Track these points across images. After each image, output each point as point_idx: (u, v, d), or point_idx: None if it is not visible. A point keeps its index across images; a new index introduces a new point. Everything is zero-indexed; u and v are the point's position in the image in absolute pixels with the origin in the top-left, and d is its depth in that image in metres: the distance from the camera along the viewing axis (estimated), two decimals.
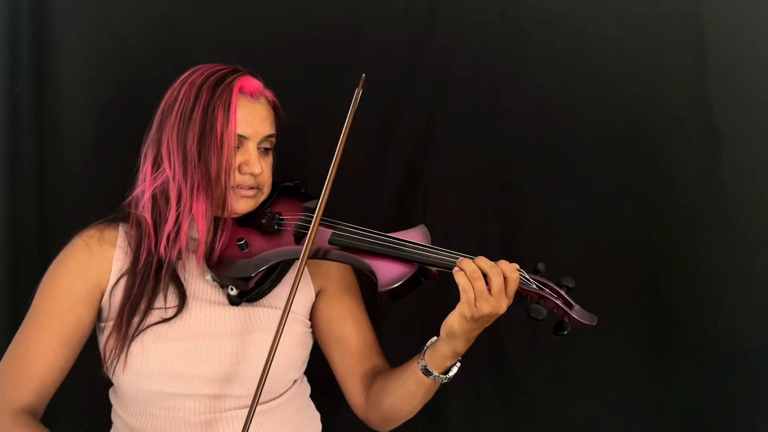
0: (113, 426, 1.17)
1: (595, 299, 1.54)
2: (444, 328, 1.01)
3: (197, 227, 1.08)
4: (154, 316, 1.07)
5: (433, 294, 1.51)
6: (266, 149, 1.15)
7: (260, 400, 1.10)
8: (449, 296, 1.13)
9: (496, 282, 0.94)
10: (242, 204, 1.12)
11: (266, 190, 1.16)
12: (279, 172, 1.21)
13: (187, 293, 1.11)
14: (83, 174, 1.50)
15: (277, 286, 1.15)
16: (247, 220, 1.14)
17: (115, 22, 1.49)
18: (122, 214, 1.15)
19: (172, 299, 1.09)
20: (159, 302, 1.08)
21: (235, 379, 1.08)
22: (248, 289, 1.10)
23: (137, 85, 1.48)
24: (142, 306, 1.07)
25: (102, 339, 1.11)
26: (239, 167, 1.10)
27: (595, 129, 1.54)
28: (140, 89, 1.49)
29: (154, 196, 1.09)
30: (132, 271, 1.09)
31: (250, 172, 1.10)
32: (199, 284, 1.13)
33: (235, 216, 1.13)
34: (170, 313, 1.08)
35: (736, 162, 1.52)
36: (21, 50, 1.45)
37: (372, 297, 1.06)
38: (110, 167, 1.47)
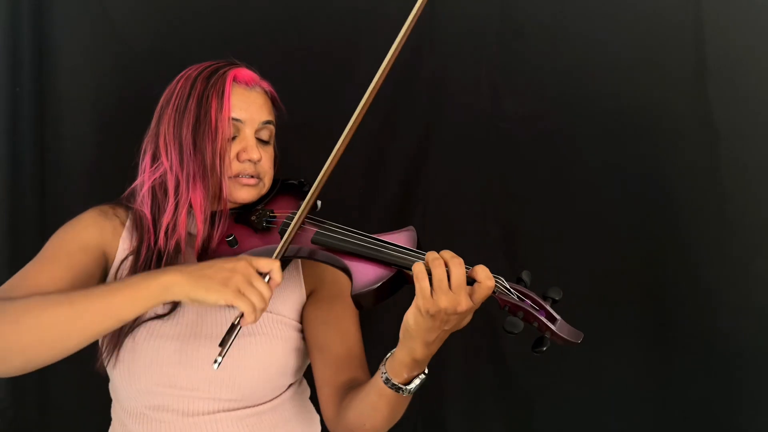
0: (112, 423, 1.17)
1: (595, 300, 1.56)
2: (402, 327, 0.93)
3: (195, 217, 1.07)
4: (149, 312, 1.06)
5: None
6: (265, 141, 1.14)
7: (252, 404, 1.09)
8: None
9: (456, 273, 0.86)
10: (244, 192, 1.11)
11: (267, 181, 1.15)
12: (281, 170, 1.20)
13: None
14: (83, 173, 1.51)
15: None
16: (242, 217, 1.13)
17: (115, 22, 1.49)
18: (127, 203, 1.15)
19: None
20: None
21: (225, 383, 1.06)
22: None
23: (137, 84, 1.48)
24: None
25: None
26: (237, 155, 1.09)
27: (594, 131, 1.54)
28: (140, 89, 1.48)
29: (152, 189, 1.09)
30: (134, 266, 1.09)
31: (248, 158, 1.09)
32: None
33: (236, 206, 1.12)
34: (165, 309, 1.07)
35: (735, 162, 1.52)
36: (21, 50, 1.45)
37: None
38: (110, 167, 1.47)
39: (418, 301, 0.88)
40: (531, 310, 0.88)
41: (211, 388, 1.06)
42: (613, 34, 1.53)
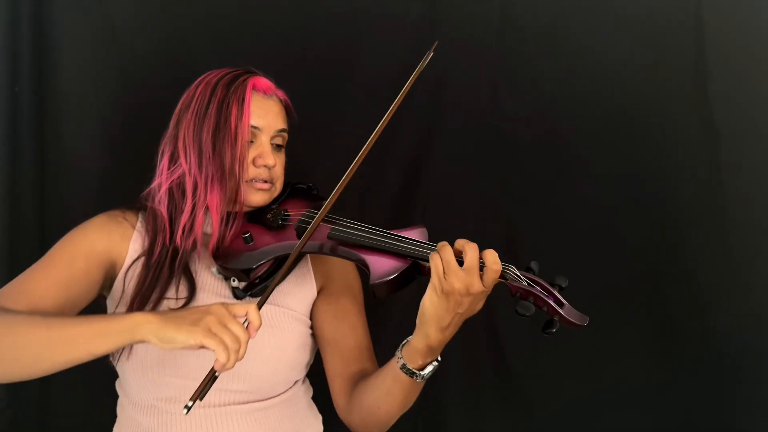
0: (117, 419, 1.17)
1: (595, 300, 1.55)
2: (419, 314, 0.99)
3: (211, 218, 1.11)
4: (164, 305, 1.09)
5: None
6: (279, 146, 1.18)
7: (260, 397, 1.12)
8: None
9: (470, 256, 0.92)
10: (257, 197, 1.15)
11: (279, 185, 1.19)
12: (288, 174, 1.22)
13: (197, 285, 1.12)
14: (83, 173, 1.51)
15: (282, 282, 1.16)
16: (255, 217, 1.17)
17: (115, 21, 1.49)
18: (140, 204, 1.18)
19: (182, 290, 1.11)
20: (170, 292, 1.10)
21: (236, 375, 1.08)
22: (250, 281, 1.12)
23: (137, 84, 1.49)
24: (154, 297, 1.09)
25: None
26: (253, 160, 1.13)
27: (594, 130, 1.54)
28: (140, 89, 1.49)
29: (170, 190, 1.12)
30: (146, 263, 1.11)
31: (264, 164, 1.13)
32: (207, 277, 1.15)
33: (249, 209, 1.16)
34: (179, 303, 1.10)
35: (736, 162, 1.52)
36: (21, 50, 1.45)
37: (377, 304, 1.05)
38: (110, 166, 1.48)
39: (433, 281, 0.94)
40: (541, 295, 0.94)
41: (223, 379, 1.07)
42: (614, 34, 1.53)
